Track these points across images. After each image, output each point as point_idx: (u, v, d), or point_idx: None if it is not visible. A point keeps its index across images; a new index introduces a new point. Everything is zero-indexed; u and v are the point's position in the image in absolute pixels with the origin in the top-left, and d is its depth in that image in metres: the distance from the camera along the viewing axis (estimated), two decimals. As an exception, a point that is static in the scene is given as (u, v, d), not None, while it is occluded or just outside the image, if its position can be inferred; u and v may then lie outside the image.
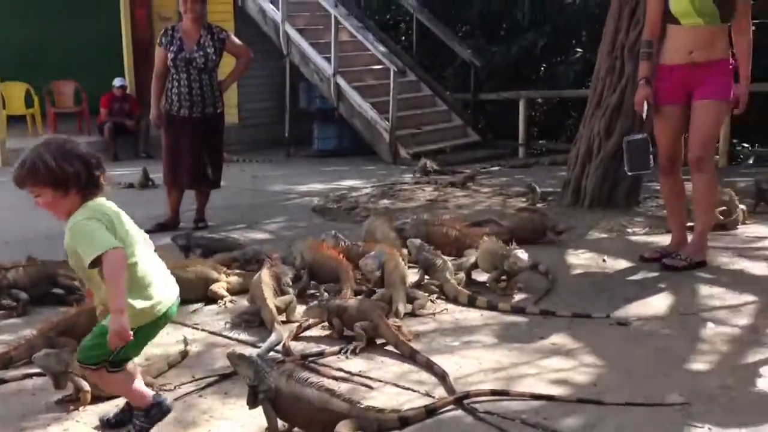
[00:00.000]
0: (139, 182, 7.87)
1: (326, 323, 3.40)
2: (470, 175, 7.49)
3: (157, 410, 2.50)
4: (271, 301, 3.51)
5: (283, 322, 3.48)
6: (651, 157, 4.27)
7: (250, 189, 7.80)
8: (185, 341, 3.23)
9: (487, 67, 11.56)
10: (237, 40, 6.01)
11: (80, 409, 2.73)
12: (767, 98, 11.39)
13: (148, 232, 5.72)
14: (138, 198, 7.25)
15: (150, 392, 2.55)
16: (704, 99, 4.03)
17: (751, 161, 9.79)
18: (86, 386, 2.60)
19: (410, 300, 3.67)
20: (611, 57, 6.09)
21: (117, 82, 10.70)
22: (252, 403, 2.43)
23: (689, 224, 4.38)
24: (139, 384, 2.52)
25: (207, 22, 5.82)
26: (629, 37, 6.00)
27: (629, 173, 4.56)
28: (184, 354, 3.17)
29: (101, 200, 2.43)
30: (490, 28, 12.93)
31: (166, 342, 3.35)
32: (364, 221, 5.16)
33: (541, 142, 11.37)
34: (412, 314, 3.62)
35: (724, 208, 5.08)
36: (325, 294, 3.59)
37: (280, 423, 2.45)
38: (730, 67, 4.05)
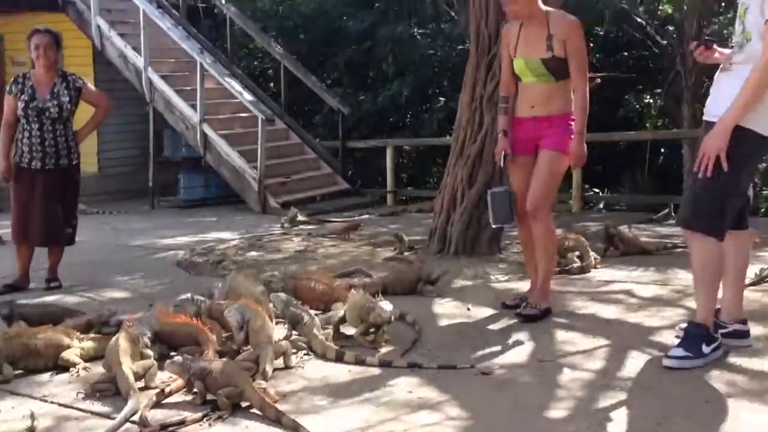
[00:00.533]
0: (-14, 239, 7.35)
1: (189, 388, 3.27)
2: (353, 225, 7.44)
3: None
4: (128, 366, 3.33)
5: (142, 389, 3.31)
6: (514, 208, 4.42)
7: (111, 243, 7.46)
8: (32, 416, 3.00)
9: (354, 115, 11.77)
10: (94, 89, 5.83)
11: None
12: (616, 147, 12.30)
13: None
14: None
15: None
16: (543, 150, 4.29)
17: (601, 206, 10.44)
18: None
19: (278, 355, 3.61)
20: (471, 108, 6.35)
21: (-37, 130, 10.01)
22: None
23: None
24: None
25: (62, 70, 5.60)
26: (487, 89, 6.29)
27: (494, 226, 4.71)
28: (31, 430, 2.94)
29: None
30: (357, 77, 13.22)
31: (11, 418, 3.11)
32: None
33: (409, 189, 11.65)
34: (285, 367, 3.59)
35: (578, 253, 5.37)
36: (187, 357, 3.45)
37: None
38: (570, 121, 4.30)
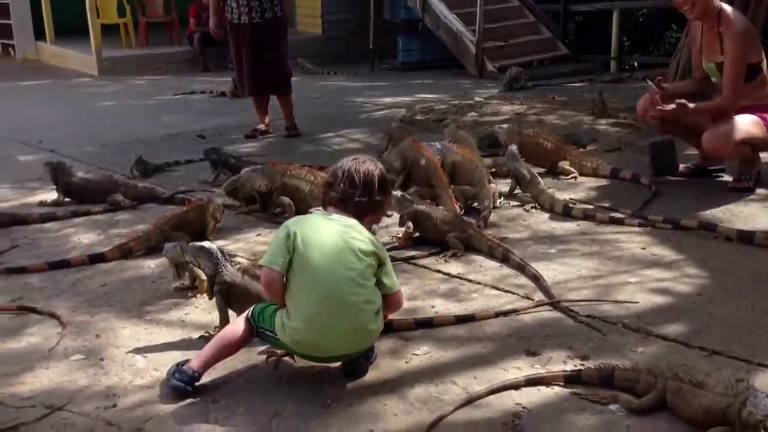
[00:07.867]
0: (230, 91, 7.95)
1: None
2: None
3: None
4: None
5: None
6: (675, 157, 4.18)
7: (336, 100, 7.82)
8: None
9: (579, -24, 11.05)
10: None
11: (197, 296, 2.89)
12: None
13: (246, 137, 5.88)
14: (232, 107, 7.40)
15: None
16: None
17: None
18: (203, 276, 2.71)
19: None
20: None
21: (205, -10, 10.71)
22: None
23: None
24: None
25: None
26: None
27: (655, 176, 4.21)
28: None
29: None
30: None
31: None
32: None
33: (635, 56, 10.87)
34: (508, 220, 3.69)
35: None
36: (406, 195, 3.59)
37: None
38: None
